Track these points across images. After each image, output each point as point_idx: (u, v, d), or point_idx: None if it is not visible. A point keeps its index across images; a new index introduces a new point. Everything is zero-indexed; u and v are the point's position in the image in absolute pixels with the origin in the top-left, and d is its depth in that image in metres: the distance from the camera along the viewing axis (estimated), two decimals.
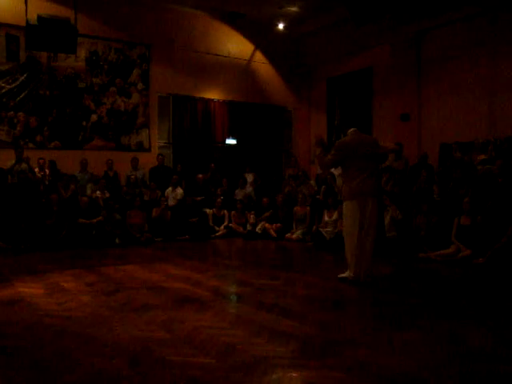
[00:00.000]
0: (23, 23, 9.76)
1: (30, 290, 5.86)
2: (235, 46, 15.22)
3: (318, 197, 11.93)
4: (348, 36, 14.14)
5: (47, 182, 11.09)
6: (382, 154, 6.45)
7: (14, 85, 11.99)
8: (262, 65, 15.80)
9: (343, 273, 6.35)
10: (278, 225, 11.57)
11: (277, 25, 15.13)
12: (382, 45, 13.52)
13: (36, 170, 11.12)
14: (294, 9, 14.08)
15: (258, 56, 15.73)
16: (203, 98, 14.78)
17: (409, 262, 8.19)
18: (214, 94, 14.93)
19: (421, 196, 9.80)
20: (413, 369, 3.28)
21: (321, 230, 10.30)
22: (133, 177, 12.20)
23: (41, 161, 11.19)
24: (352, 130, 6.28)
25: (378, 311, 4.84)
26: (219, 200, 12.22)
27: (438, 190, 9.93)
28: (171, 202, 12.01)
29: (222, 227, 12.00)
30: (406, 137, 12.72)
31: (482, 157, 10.28)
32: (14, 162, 10.79)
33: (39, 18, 9.59)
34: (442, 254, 8.32)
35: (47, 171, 11.28)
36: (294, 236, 11.15)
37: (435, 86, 12.52)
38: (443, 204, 9.40)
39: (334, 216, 10.29)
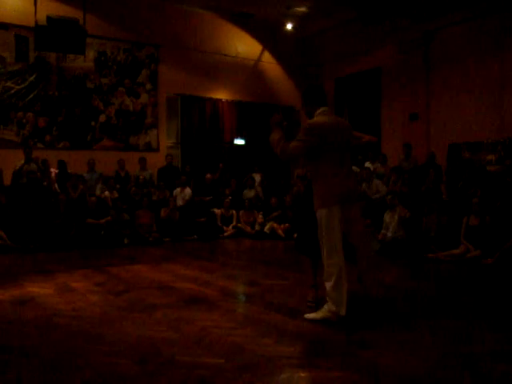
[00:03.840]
0: (32, 24, 9.84)
1: (39, 289, 5.89)
2: (243, 46, 15.22)
3: None
4: (356, 36, 14.11)
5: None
6: (356, 146, 5.09)
7: (23, 85, 12.05)
8: (270, 65, 15.80)
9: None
10: (287, 225, 11.56)
11: (285, 25, 15.10)
12: (390, 45, 13.48)
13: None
14: (302, 9, 14.06)
15: (266, 56, 15.73)
16: (211, 99, 14.79)
17: (417, 262, 8.17)
18: (222, 94, 14.94)
19: (429, 196, 9.77)
20: (421, 369, 3.27)
21: None
22: (142, 177, 12.23)
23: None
24: (323, 109, 4.62)
25: (386, 311, 4.82)
26: (227, 200, 12.23)
27: (446, 190, 9.90)
28: (180, 202, 12.03)
29: (231, 227, 12.00)
30: (414, 137, 12.68)
31: (491, 157, 10.24)
32: (23, 162, 10.85)
33: (48, 18, 9.65)
34: (450, 255, 8.30)
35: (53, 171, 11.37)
36: None
37: (444, 86, 12.46)
38: (452, 204, 9.37)
39: None
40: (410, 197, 10.09)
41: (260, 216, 12.09)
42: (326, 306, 4.44)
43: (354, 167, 11.92)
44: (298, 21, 14.88)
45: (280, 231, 11.51)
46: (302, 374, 3.21)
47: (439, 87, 12.60)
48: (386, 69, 13.90)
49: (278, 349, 3.67)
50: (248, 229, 11.97)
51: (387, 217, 9.52)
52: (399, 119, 13.40)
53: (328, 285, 4.41)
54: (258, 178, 13.73)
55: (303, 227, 5.08)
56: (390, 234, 9.32)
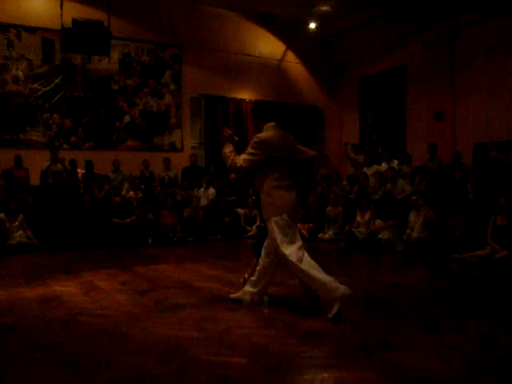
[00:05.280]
0: (58, 27, 9.98)
1: (65, 288, 5.95)
2: (266, 46, 15.21)
3: (350, 197, 11.85)
4: (380, 34, 14.00)
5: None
6: (302, 161, 5.17)
7: (49, 87, 12.23)
8: (293, 64, 15.76)
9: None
10: (310, 225, 11.52)
11: (308, 24, 15.06)
12: (415, 43, 13.34)
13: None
14: (325, 8, 14.00)
15: (290, 56, 15.69)
16: (235, 99, 14.80)
17: (443, 263, 8.07)
18: (245, 94, 14.95)
19: (455, 196, 9.65)
20: (446, 372, 3.22)
21: (353, 230, 10.23)
22: (167, 177, 12.31)
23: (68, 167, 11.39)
24: (272, 124, 5.01)
25: (411, 313, 4.77)
26: (251, 200, 12.23)
27: (472, 189, 9.76)
28: (203, 202, 12.07)
29: (254, 227, 11.99)
30: (439, 136, 12.53)
31: None
32: (49, 162, 11.01)
33: (74, 21, 9.78)
34: (477, 255, 8.18)
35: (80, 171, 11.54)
36: (327, 236, 11.09)
37: (470, 84, 12.28)
38: (478, 204, 9.24)
39: (367, 216, 10.22)
40: (435, 197, 9.98)
41: None
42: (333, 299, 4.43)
43: (376, 166, 11.96)
44: (322, 20, 14.83)
45: (304, 231, 11.45)
46: (326, 375, 3.18)
47: (465, 85, 12.42)
48: (410, 67, 13.76)
49: (301, 349, 3.66)
50: None
51: (412, 217, 9.44)
52: (424, 118, 13.25)
53: (310, 282, 4.55)
54: None
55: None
56: (415, 235, 9.23)
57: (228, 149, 4.90)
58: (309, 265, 4.53)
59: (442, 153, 11.84)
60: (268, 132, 4.93)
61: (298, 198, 4.90)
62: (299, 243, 4.66)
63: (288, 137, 5.08)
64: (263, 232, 5.26)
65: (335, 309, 4.39)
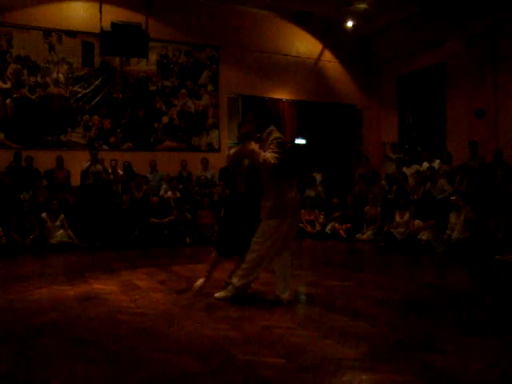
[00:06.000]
0: (98, 30, 10.14)
1: (104, 286, 6.04)
2: (303, 45, 15.17)
3: (389, 197, 11.70)
4: (419, 32, 13.79)
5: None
6: None
7: (89, 89, 12.46)
8: (330, 63, 15.66)
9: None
10: (348, 225, 11.42)
11: (345, 22, 14.94)
12: (455, 39, 13.08)
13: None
14: (362, 6, 13.87)
15: (327, 55, 15.61)
16: (272, 98, 14.79)
17: (484, 265, 7.89)
18: (282, 94, 14.93)
19: (497, 196, 9.42)
20: (488, 376, 3.13)
21: (392, 230, 10.10)
22: (203, 177, 12.39)
23: (113, 162, 11.59)
24: (273, 127, 5.06)
25: (452, 315, 4.67)
26: None
27: None
28: None
29: None
30: (481, 134, 12.27)
31: None
32: (89, 163, 11.22)
33: (113, 24, 9.92)
34: None
35: (120, 172, 11.71)
36: (365, 237, 10.98)
37: None
38: None
39: (406, 217, 10.07)
40: (477, 197, 9.77)
41: (321, 216, 11.99)
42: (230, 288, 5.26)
43: (416, 166, 11.79)
44: (359, 18, 14.69)
45: (342, 232, 11.39)
46: (364, 377, 3.14)
47: (507, 82, 12.12)
48: (450, 64, 13.51)
49: (339, 350, 3.62)
50: (309, 228, 11.91)
51: (452, 217, 9.26)
52: (465, 116, 12.99)
53: (240, 282, 5.18)
54: (318, 177, 13.65)
55: (233, 230, 5.49)
56: (455, 236, 9.06)
57: (254, 146, 4.88)
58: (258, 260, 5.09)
59: (484, 151, 11.59)
60: (279, 134, 5.03)
61: (300, 198, 5.26)
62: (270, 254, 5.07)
63: None
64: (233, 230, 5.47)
65: (225, 294, 5.21)
